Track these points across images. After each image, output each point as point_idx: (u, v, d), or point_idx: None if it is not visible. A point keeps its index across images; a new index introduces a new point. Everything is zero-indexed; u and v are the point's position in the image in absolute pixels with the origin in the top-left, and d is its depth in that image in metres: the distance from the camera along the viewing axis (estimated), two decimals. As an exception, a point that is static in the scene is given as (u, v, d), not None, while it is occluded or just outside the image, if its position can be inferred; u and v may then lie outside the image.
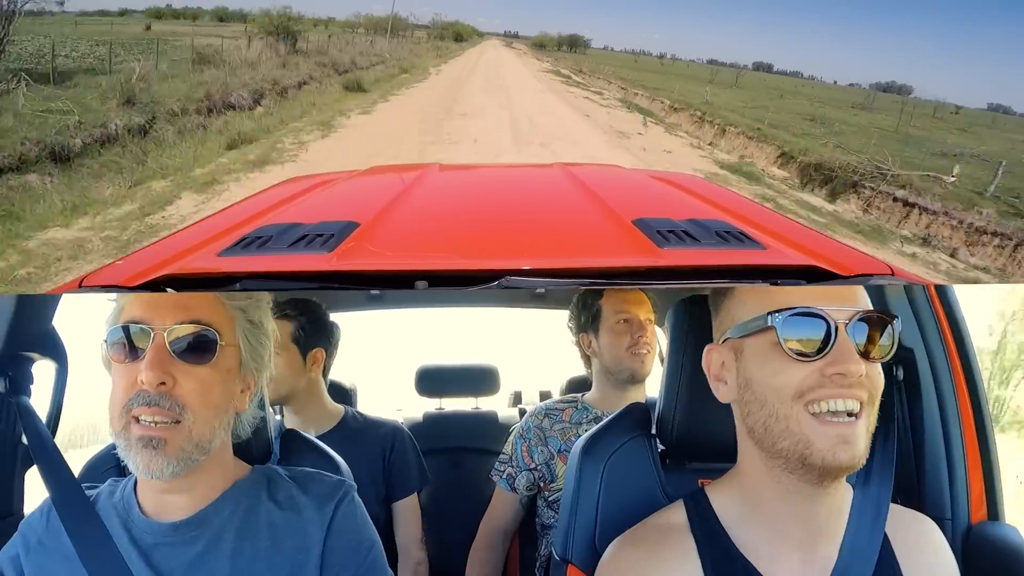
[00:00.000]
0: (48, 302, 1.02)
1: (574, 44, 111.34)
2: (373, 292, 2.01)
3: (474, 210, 1.37)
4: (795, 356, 0.68)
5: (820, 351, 0.68)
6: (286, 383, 1.47)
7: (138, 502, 0.79)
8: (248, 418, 0.84)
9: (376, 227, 1.07)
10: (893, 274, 1.01)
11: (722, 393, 0.76)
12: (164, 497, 0.78)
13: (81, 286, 0.96)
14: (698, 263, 0.91)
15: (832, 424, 0.67)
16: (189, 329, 0.73)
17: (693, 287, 0.89)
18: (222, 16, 76.67)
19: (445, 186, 1.64)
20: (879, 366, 0.70)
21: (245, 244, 1.00)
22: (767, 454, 0.72)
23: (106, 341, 0.75)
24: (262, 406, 0.88)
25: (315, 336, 1.49)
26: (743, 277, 0.89)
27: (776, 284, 0.86)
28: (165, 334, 0.72)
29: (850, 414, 0.67)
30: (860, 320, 0.69)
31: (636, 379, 1.49)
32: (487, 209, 1.38)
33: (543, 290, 1.63)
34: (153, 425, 0.71)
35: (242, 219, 1.25)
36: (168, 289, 0.86)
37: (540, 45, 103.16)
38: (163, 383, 0.71)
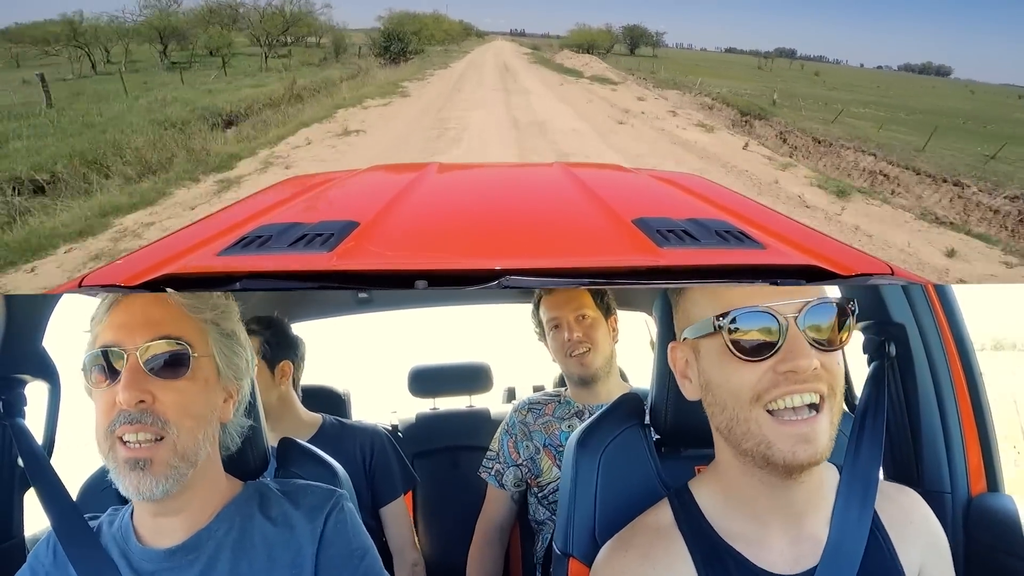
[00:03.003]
0: (47, 302, 1.02)
1: (636, 41, 64.07)
2: (362, 295, 2.02)
3: (474, 210, 1.37)
4: (745, 358, 0.68)
5: (770, 349, 0.67)
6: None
7: (135, 530, 0.80)
8: (236, 428, 0.85)
9: (376, 227, 1.07)
10: (893, 273, 1.02)
11: (688, 391, 0.77)
12: (158, 521, 0.79)
13: (81, 286, 0.96)
14: (698, 263, 0.91)
15: (792, 423, 0.67)
16: (161, 345, 0.74)
17: (693, 287, 0.89)
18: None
19: (445, 186, 1.64)
20: (838, 354, 0.69)
21: (245, 244, 1.00)
22: (736, 451, 0.72)
23: (84, 369, 0.76)
24: (250, 415, 0.88)
25: (281, 350, 1.51)
26: (743, 277, 0.89)
27: (776, 284, 0.86)
28: (138, 353, 0.73)
29: (812, 407, 0.67)
30: (811, 310, 0.68)
31: (583, 380, 1.47)
32: (487, 209, 1.38)
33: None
34: (138, 445, 0.72)
35: (242, 219, 1.25)
36: (168, 289, 0.86)
37: (585, 48, 52.43)
38: (142, 401, 0.72)
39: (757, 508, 0.74)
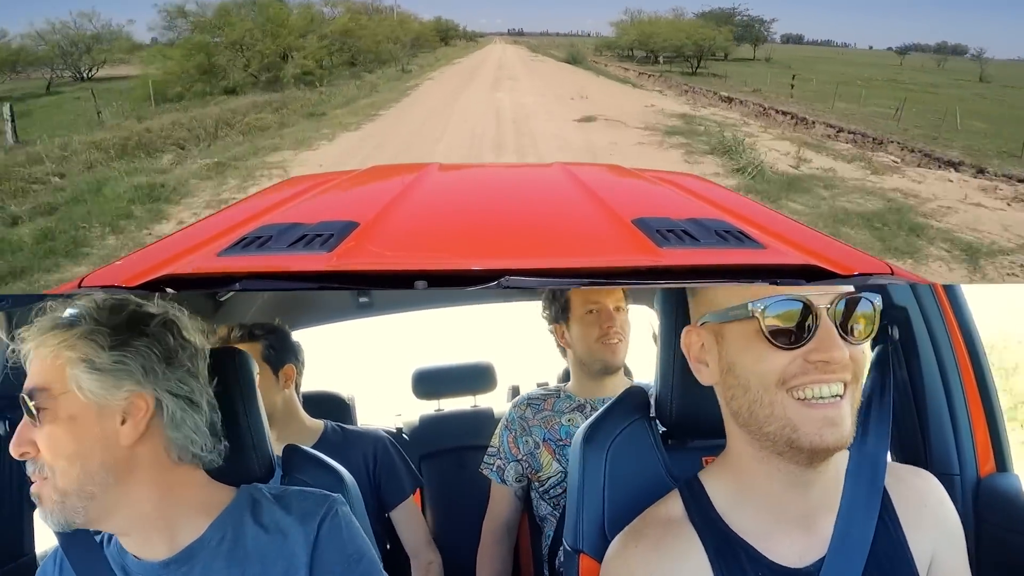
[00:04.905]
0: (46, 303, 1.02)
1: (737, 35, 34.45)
2: (363, 299, 2.02)
3: (474, 210, 1.37)
4: (778, 344, 0.69)
5: (803, 338, 0.68)
6: (263, 401, 1.47)
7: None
8: (186, 430, 0.77)
9: (376, 227, 1.07)
10: (893, 273, 1.02)
11: (704, 375, 0.77)
12: (125, 540, 0.80)
13: (80, 286, 0.96)
14: (698, 263, 0.91)
15: (817, 406, 0.68)
16: (23, 401, 0.75)
17: (693, 287, 0.90)
18: None
19: (445, 186, 1.64)
20: (864, 345, 0.71)
21: (245, 244, 1.00)
22: (753, 436, 0.72)
23: None
24: (196, 411, 0.79)
25: (284, 353, 1.50)
26: (742, 277, 0.89)
27: (776, 283, 0.86)
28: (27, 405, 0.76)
29: (835, 395, 0.68)
30: (842, 303, 0.70)
31: (608, 370, 1.48)
32: (487, 209, 1.38)
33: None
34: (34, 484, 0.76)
35: (242, 219, 1.25)
36: (168, 289, 0.86)
37: (677, 54, 28.62)
38: (25, 451, 0.75)
39: (770, 500, 0.74)
